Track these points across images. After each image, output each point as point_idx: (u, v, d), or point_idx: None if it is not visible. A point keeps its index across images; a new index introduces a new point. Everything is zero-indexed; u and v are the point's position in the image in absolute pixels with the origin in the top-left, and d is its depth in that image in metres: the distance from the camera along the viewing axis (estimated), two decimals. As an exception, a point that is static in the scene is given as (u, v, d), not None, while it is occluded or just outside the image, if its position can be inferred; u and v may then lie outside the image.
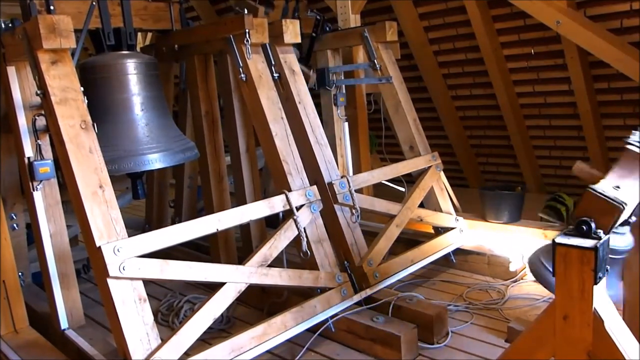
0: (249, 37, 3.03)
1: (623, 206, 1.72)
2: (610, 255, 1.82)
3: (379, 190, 4.43)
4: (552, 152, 5.47)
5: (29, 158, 2.75)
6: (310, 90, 3.48)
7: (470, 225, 3.93)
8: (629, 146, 1.88)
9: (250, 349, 2.51)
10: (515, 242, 3.73)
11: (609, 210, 1.73)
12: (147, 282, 2.34)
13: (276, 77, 3.24)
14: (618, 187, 1.77)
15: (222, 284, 2.53)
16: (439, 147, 4.63)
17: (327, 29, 4.04)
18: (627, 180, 1.80)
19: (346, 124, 4.47)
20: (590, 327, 1.68)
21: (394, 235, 3.38)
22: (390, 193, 4.43)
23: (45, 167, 2.71)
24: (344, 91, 4.25)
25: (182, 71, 3.92)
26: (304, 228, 2.89)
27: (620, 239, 1.93)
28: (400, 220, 3.43)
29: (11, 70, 2.79)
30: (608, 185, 1.77)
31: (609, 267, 1.71)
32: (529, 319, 2.81)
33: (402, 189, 4.38)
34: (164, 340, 2.28)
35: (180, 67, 3.97)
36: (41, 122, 2.73)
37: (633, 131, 1.90)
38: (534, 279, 3.53)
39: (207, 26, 3.79)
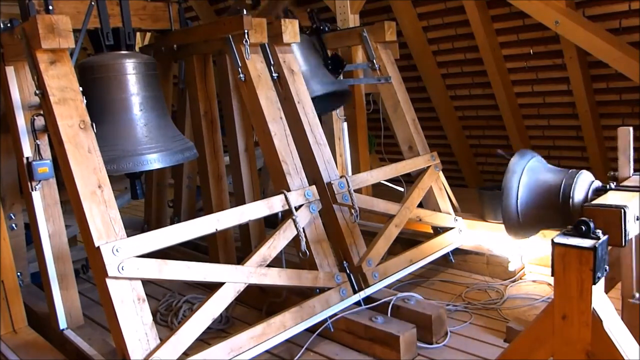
0: (248, 37, 3.03)
1: (624, 245, 1.72)
2: None
3: (378, 190, 4.43)
4: (551, 152, 5.48)
5: (27, 158, 2.75)
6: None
7: (469, 225, 3.94)
8: None
9: (249, 349, 2.51)
10: (514, 242, 3.73)
11: (616, 233, 1.72)
12: (146, 282, 2.34)
13: (275, 77, 3.24)
14: (639, 218, 1.77)
15: (221, 284, 2.53)
16: (437, 147, 4.63)
17: (326, 29, 4.03)
18: None
19: (345, 123, 4.47)
20: (589, 327, 1.68)
21: (393, 235, 3.39)
22: (389, 193, 4.43)
23: (44, 167, 2.71)
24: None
25: (181, 71, 3.91)
26: (303, 228, 2.89)
27: None
28: (399, 220, 3.43)
29: (10, 70, 2.80)
30: (633, 212, 1.75)
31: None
32: (527, 319, 2.81)
33: (401, 189, 4.39)
34: (162, 340, 2.28)
35: (179, 67, 3.97)
36: (40, 122, 2.73)
37: None
38: (533, 279, 3.56)
39: (206, 26, 3.78)
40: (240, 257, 3.59)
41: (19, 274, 3.15)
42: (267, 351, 2.65)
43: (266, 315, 2.87)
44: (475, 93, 5.53)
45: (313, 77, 3.62)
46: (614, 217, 1.72)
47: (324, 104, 3.92)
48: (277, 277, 2.74)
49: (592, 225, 1.69)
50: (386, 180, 3.91)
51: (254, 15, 3.09)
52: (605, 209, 1.76)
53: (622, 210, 1.71)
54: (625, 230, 1.71)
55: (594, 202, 1.88)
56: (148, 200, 4.51)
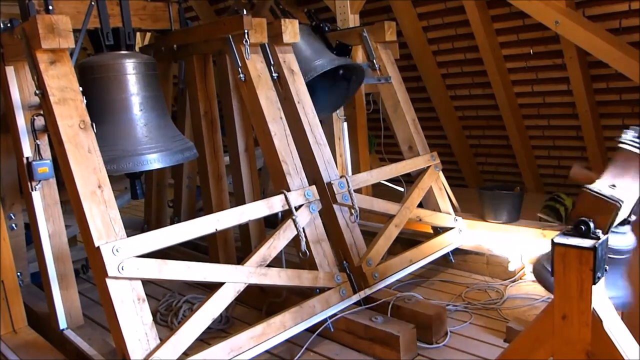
0: (248, 37, 3.03)
1: (619, 203, 1.73)
2: (612, 256, 1.82)
3: (377, 190, 4.43)
4: (551, 152, 5.48)
5: (27, 158, 2.75)
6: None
7: (469, 225, 3.94)
8: (622, 145, 1.90)
9: (249, 349, 2.51)
10: (514, 242, 3.73)
11: (605, 209, 1.73)
12: (146, 282, 2.34)
13: (275, 77, 3.23)
14: (614, 185, 1.78)
15: (221, 284, 2.53)
16: (437, 147, 4.63)
17: (326, 29, 4.03)
18: (622, 179, 1.81)
19: (345, 123, 4.47)
20: (589, 327, 1.68)
21: (393, 235, 3.39)
22: (389, 193, 4.43)
23: (44, 167, 2.71)
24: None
25: (181, 71, 3.91)
26: (303, 228, 2.89)
27: (622, 239, 1.92)
28: (399, 220, 3.43)
29: (10, 70, 2.79)
30: (604, 185, 1.78)
31: (607, 268, 1.72)
32: (527, 319, 2.81)
33: (401, 189, 4.38)
34: (162, 340, 2.28)
35: (179, 67, 3.97)
36: (40, 122, 2.73)
37: (625, 130, 1.92)
38: (533, 278, 3.55)
39: (206, 26, 3.78)
40: (240, 257, 3.58)
41: (19, 274, 3.15)
42: (267, 351, 2.65)
43: (266, 315, 2.87)
44: (475, 93, 5.53)
45: (319, 57, 3.61)
46: (588, 197, 1.76)
47: (336, 90, 3.91)
48: (277, 277, 2.74)
49: (591, 225, 1.69)
50: (386, 180, 3.90)
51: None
52: (577, 198, 1.80)
53: (586, 189, 1.77)
54: (606, 196, 1.74)
55: None
56: (148, 200, 4.51)
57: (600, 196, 1.74)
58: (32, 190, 2.77)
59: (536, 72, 4.95)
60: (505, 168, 6.00)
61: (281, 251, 2.84)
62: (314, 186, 3.06)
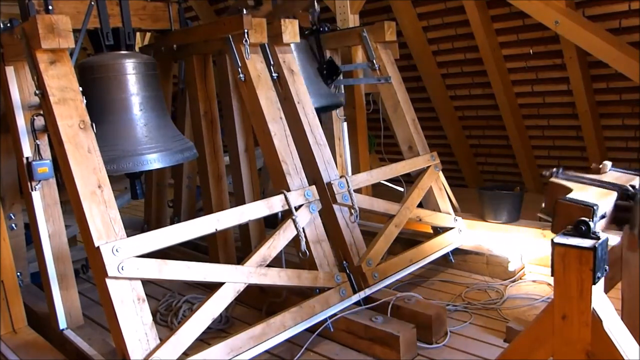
0: (248, 37, 3.03)
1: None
2: None
3: (377, 190, 4.43)
4: (551, 152, 5.48)
5: (27, 158, 2.75)
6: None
7: (469, 225, 3.94)
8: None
9: (249, 349, 2.51)
10: (514, 242, 3.73)
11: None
12: (146, 282, 2.34)
13: (275, 77, 3.23)
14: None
15: (221, 284, 2.53)
16: (437, 147, 4.63)
17: (326, 29, 4.03)
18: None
19: (345, 123, 4.47)
20: (589, 327, 1.68)
21: (393, 235, 3.39)
22: (389, 193, 4.43)
23: (44, 167, 2.71)
24: (342, 91, 4.25)
25: (181, 71, 3.91)
26: (303, 228, 2.89)
27: None
28: (399, 220, 3.43)
29: (10, 70, 2.79)
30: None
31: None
32: (527, 319, 2.81)
33: (401, 189, 4.38)
34: (162, 340, 2.29)
35: (179, 67, 3.97)
36: (40, 122, 2.73)
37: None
38: (533, 278, 3.55)
39: (206, 26, 3.78)
40: (240, 257, 3.59)
41: (18, 274, 3.15)
42: (267, 351, 2.65)
43: (266, 315, 2.87)
44: (475, 93, 5.53)
45: (309, 87, 3.60)
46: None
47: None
48: (277, 277, 2.74)
49: (592, 225, 1.69)
50: (386, 180, 3.90)
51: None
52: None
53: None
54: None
55: None
56: (148, 200, 4.51)
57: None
58: (32, 190, 2.77)
59: (536, 72, 4.95)
60: (505, 168, 6.00)
61: (281, 251, 2.85)
62: (313, 186, 3.06)
